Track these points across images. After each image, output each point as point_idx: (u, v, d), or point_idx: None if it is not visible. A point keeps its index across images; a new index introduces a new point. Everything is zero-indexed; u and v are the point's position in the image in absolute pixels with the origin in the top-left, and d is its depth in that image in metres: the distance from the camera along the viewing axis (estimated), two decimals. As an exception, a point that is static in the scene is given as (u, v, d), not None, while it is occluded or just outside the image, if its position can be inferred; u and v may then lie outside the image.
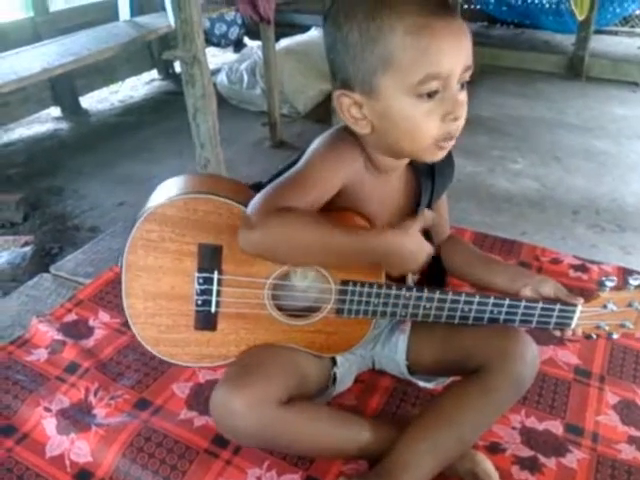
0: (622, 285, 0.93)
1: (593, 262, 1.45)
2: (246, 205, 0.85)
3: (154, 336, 0.95)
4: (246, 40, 4.60)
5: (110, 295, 1.32)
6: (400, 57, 0.77)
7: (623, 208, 2.48)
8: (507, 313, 0.92)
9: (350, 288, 0.91)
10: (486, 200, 2.55)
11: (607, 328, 0.95)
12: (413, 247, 0.88)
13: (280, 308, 0.94)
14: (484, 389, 0.88)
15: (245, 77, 3.63)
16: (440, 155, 0.86)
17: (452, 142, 0.85)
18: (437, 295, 0.92)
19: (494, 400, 0.89)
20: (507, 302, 0.92)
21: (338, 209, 0.89)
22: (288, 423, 0.86)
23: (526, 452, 0.97)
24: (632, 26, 4.54)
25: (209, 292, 0.92)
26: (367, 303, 0.92)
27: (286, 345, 0.95)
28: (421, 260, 0.89)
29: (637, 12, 4.46)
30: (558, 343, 1.18)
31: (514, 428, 1.01)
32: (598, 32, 4.20)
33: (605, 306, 0.92)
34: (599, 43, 4.17)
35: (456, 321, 0.93)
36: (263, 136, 3.26)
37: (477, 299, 0.92)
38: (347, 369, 1.04)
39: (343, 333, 0.96)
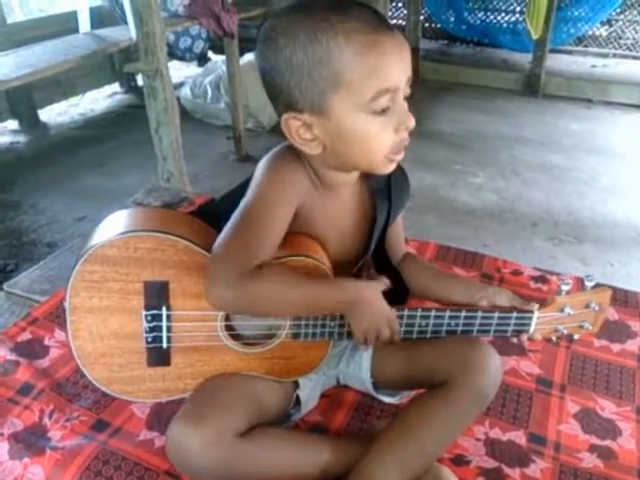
0: (579, 288, 0.95)
1: (552, 273, 1.48)
2: (193, 241, 0.86)
3: (106, 376, 0.93)
4: (210, 54, 4.59)
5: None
6: (350, 76, 0.77)
7: (579, 220, 2.56)
8: (464, 325, 0.93)
9: None
10: (448, 213, 2.60)
11: (565, 331, 0.97)
12: (381, 304, 0.88)
13: (237, 337, 0.93)
14: (448, 402, 0.88)
15: (209, 91, 3.63)
16: (391, 167, 0.87)
17: (402, 155, 0.86)
18: (394, 312, 0.91)
19: (458, 413, 0.89)
20: (463, 314, 0.92)
21: (288, 233, 0.88)
22: (246, 455, 0.83)
23: (491, 463, 0.97)
24: (585, 46, 4.73)
25: (159, 329, 0.90)
26: (323, 326, 0.92)
27: (245, 373, 0.94)
28: (383, 318, 0.89)
29: (590, 32, 4.65)
30: (520, 353, 1.20)
31: (478, 439, 1.01)
32: (553, 51, 4.36)
33: (562, 310, 0.94)
34: (554, 62, 4.33)
35: (414, 336, 0.93)
36: (228, 150, 3.25)
37: (433, 313, 0.92)
38: (311, 390, 1.02)
39: (302, 357, 0.95)
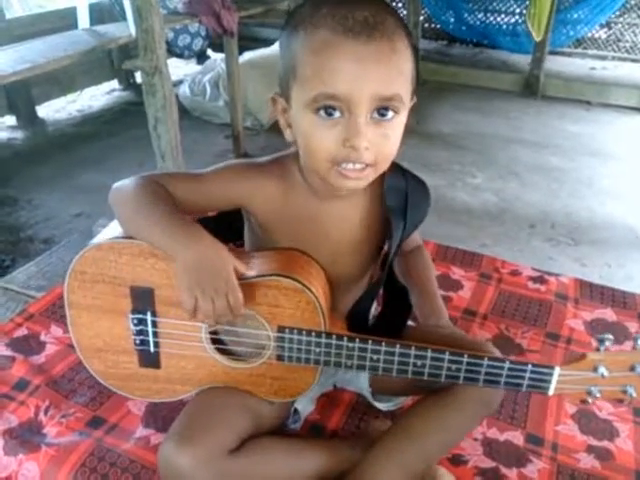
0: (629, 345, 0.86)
1: (551, 274, 1.47)
2: None
3: (102, 370, 0.96)
4: (210, 52, 4.58)
5: (63, 309, 1.25)
6: (301, 71, 0.77)
7: (577, 222, 2.55)
8: (467, 371, 0.82)
9: (287, 335, 0.86)
10: (447, 213, 2.59)
11: (598, 395, 0.81)
12: (219, 262, 0.77)
13: (227, 351, 0.92)
14: (454, 408, 0.87)
15: (208, 89, 3.61)
16: (345, 183, 0.80)
17: (355, 172, 0.78)
18: (383, 347, 0.84)
19: (464, 419, 0.88)
20: (466, 359, 0.82)
21: (283, 249, 0.90)
22: (240, 470, 0.82)
23: (488, 463, 0.97)
24: (584, 48, 4.73)
25: (145, 333, 0.91)
26: (307, 351, 0.87)
27: (233, 387, 0.92)
28: (218, 280, 0.76)
29: (589, 35, 4.65)
30: (518, 353, 1.20)
31: (476, 439, 1.01)
32: (552, 53, 4.36)
33: (596, 369, 0.79)
34: (553, 63, 4.33)
35: (409, 376, 0.85)
36: (226, 148, 3.23)
37: (430, 354, 0.82)
38: (308, 399, 1.00)
39: (289, 380, 0.91)
